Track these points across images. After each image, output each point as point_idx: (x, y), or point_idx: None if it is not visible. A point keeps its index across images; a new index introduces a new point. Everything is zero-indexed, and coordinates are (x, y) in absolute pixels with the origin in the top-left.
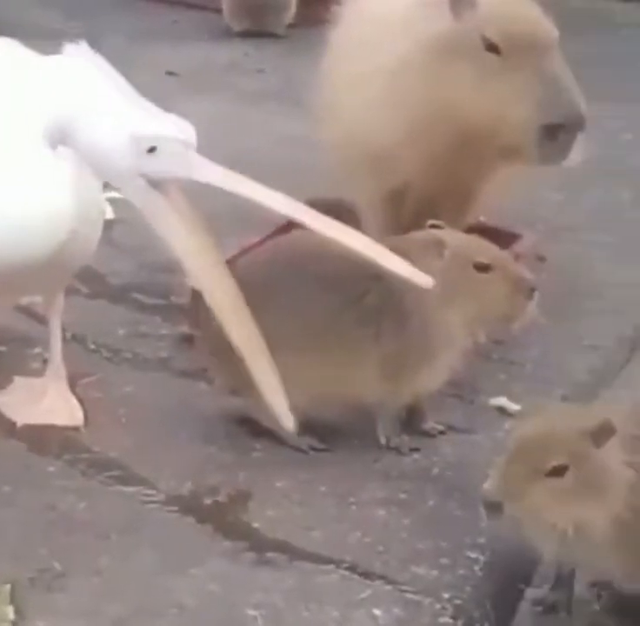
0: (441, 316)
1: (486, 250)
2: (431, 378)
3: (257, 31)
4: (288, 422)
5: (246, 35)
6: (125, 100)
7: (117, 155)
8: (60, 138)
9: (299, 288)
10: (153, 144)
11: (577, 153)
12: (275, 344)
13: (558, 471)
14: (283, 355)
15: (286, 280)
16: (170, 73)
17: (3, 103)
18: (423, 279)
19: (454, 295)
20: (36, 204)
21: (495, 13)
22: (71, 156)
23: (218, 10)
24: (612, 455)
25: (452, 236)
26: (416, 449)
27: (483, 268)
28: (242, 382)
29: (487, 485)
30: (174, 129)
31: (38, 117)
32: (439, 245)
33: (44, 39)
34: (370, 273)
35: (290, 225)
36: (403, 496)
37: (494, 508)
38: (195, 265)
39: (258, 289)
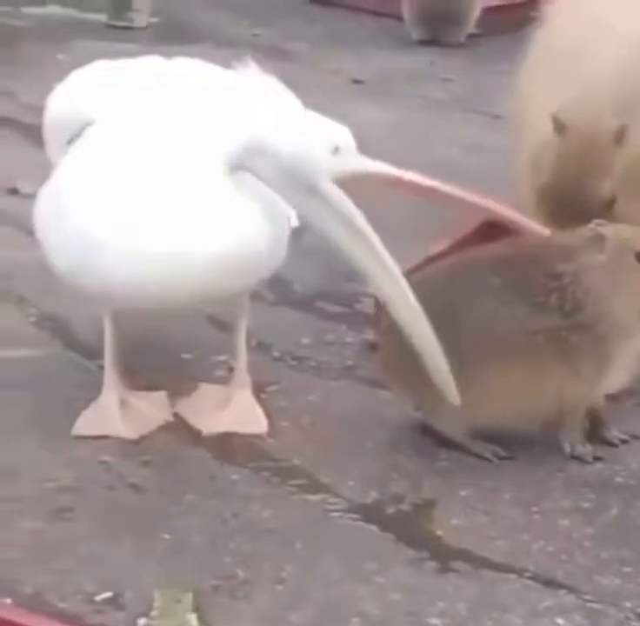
0: (615, 309)
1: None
2: (617, 374)
3: (436, 40)
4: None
5: (426, 43)
6: (299, 112)
7: (317, 159)
8: (240, 162)
9: (481, 299)
10: (336, 145)
11: None
12: (460, 358)
13: None
14: (470, 368)
15: (467, 293)
16: (356, 81)
17: (189, 132)
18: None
19: (622, 287)
20: (242, 233)
21: None
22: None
23: (399, 18)
24: None
25: (615, 230)
26: (600, 458)
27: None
28: (420, 397)
29: None
30: (345, 131)
31: (222, 144)
32: (600, 240)
33: (231, 47)
34: (549, 274)
35: (477, 233)
36: (586, 504)
37: None
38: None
39: (440, 304)
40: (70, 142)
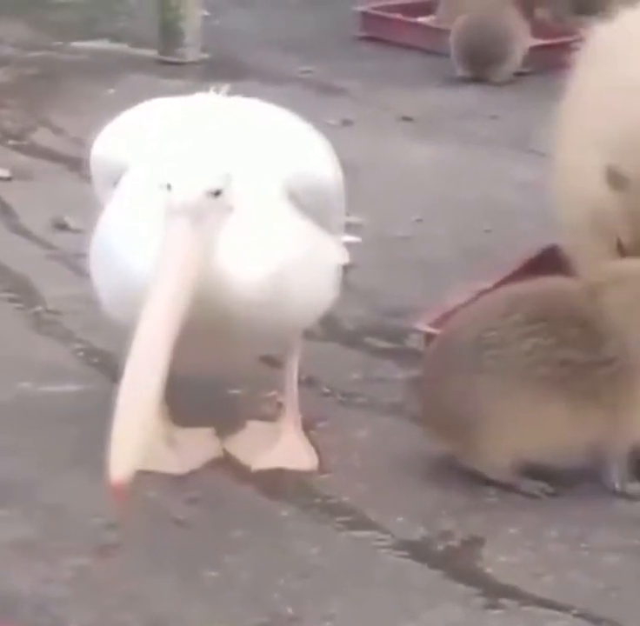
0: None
1: None
2: None
3: (481, 78)
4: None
5: (474, 81)
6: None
7: None
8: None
9: (509, 336)
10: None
11: None
12: (495, 394)
13: None
14: (517, 405)
15: (496, 329)
16: (405, 118)
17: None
18: None
19: None
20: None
21: None
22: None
23: (449, 55)
24: None
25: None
26: None
27: None
28: (460, 442)
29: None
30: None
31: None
32: (619, 276)
33: (281, 83)
34: (574, 310)
35: (522, 271)
36: (635, 541)
37: None
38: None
39: (479, 343)
40: (115, 184)
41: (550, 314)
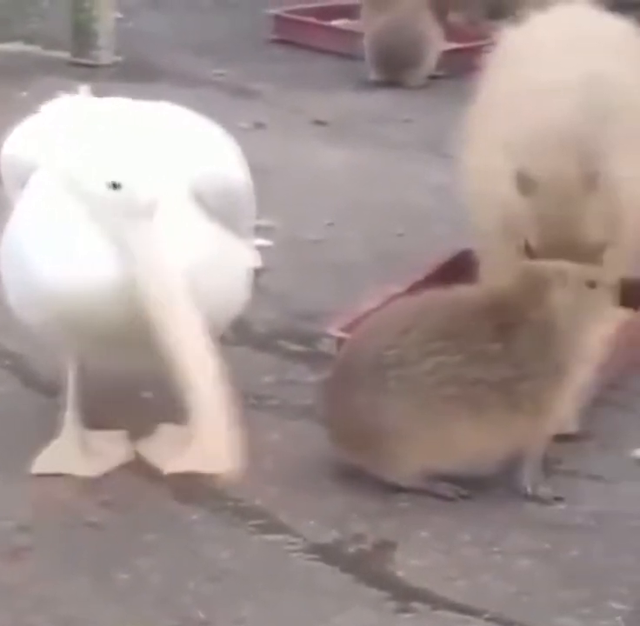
0: (573, 340)
1: (589, 270)
2: (569, 399)
3: (395, 82)
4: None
5: (388, 84)
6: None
7: None
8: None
9: (420, 346)
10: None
11: None
12: (413, 414)
13: None
14: (426, 424)
15: (408, 348)
16: (317, 122)
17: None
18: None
19: (581, 315)
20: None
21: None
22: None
23: (363, 59)
24: None
25: (561, 264)
26: (560, 499)
27: (592, 284)
28: (368, 456)
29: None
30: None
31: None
32: (561, 274)
33: (194, 86)
34: (498, 323)
35: (436, 275)
36: (546, 545)
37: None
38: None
39: (380, 362)
40: (24, 185)
41: (457, 329)
